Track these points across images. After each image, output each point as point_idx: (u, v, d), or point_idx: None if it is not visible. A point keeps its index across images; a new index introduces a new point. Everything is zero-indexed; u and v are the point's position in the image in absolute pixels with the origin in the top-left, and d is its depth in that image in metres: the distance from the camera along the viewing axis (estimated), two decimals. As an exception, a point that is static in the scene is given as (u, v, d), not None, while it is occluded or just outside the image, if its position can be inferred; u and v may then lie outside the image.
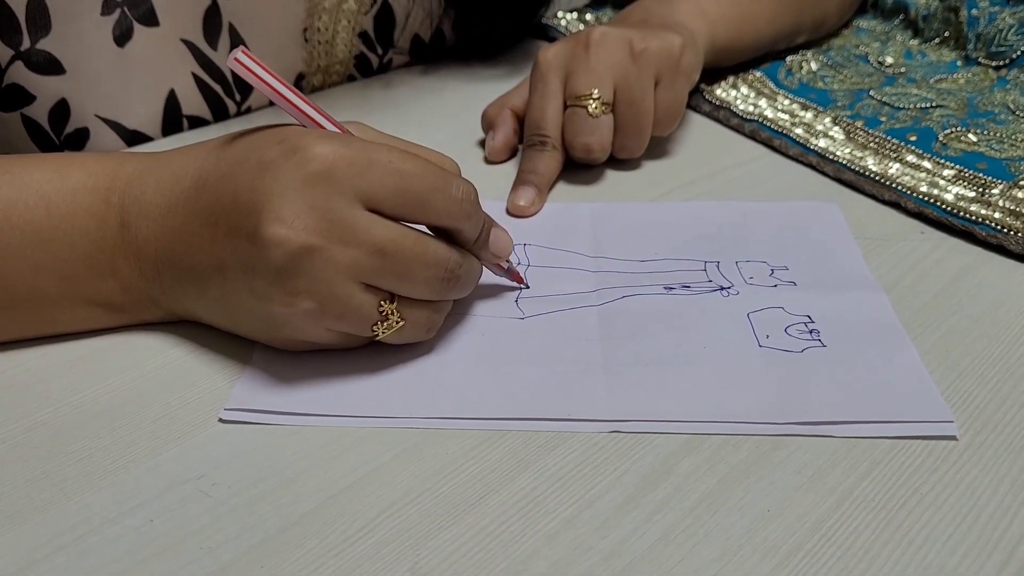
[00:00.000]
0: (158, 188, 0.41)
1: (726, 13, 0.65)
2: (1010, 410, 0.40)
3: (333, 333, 0.40)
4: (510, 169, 0.59)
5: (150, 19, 0.58)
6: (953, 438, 0.38)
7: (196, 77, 0.62)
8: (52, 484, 0.36)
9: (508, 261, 0.46)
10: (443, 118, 0.66)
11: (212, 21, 0.61)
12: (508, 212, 0.55)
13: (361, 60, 0.71)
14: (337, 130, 0.41)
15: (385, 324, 0.40)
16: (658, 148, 0.62)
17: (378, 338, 0.40)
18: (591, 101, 0.56)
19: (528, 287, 0.48)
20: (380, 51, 0.71)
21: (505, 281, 0.47)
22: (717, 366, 0.42)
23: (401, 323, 0.40)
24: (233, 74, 0.63)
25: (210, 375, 0.42)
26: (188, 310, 0.43)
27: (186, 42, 0.60)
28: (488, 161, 0.62)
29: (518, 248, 0.51)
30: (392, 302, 0.39)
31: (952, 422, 0.39)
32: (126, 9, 0.57)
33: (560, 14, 0.79)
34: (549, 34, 0.78)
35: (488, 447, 0.38)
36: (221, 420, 0.39)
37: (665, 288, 0.48)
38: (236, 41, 0.62)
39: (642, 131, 0.58)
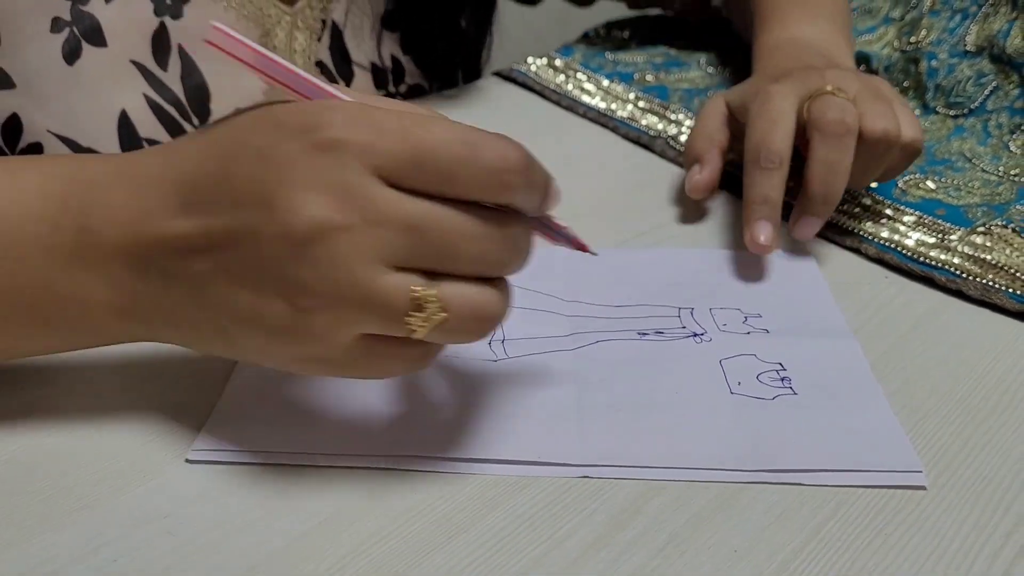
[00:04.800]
0: (128, 193, 0.37)
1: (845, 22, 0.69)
2: (973, 451, 0.41)
3: (349, 350, 0.34)
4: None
5: (98, 40, 0.59)
6: (922, 488, 0.39)
7: (148, 98, 0.62)
8: (13, 524, 0.36)
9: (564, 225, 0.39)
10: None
11: (160, 43, 0.61)
12: (747, 248, 0.53)
13: None
14: (335, 93, 0.35)
15: (422, 316, 0.33)
16: (626, 193, 0.63)
17: (416, 335, 0.33)
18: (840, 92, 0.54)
19: (596, 254, 0.41)
20: (340, 82, 0.72)
21: (562, 248, 0.40)
22: (689, 413, 0.42)
23: (444, 315, 0.33)
24: (187, 95, 0.63)
25: (177, 415, 0.42)
26: (168, 319, 0.37)
27: (135, 63, 0.61)
28: (689, 197, 0.60)
29: None
30: (430, 287, 0.33)
31: (921, 472, 0.39)
32: (75, 30, 0.57)
33: (530, 59, 0.80)
34: (517, 80, 0.79)
35: (457, 487, 0.38)
36: (188, 460, 0.39)
37: (639, 333, 0.48)
38: (187, 63, 0.63)
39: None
